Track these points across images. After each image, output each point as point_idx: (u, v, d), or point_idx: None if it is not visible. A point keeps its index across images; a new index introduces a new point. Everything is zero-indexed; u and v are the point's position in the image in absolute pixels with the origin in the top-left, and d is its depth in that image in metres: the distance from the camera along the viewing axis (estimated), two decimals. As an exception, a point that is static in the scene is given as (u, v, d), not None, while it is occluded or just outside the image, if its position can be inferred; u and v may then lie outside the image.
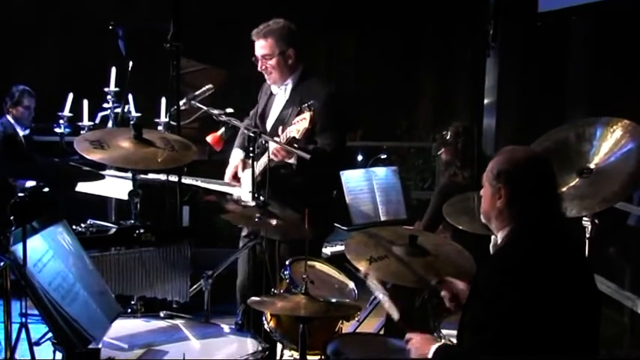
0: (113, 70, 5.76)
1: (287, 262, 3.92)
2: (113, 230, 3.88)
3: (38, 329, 4.18)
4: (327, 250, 5.11)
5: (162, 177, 4.70)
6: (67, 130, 5.84)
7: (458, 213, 4.11)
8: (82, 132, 5.38)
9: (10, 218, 3.00)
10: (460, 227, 4.06)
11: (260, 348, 3.33)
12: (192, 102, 4.29)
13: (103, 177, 3.87)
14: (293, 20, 4.52)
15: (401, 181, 5.70)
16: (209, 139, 4.55)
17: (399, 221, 5.36)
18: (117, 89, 5.79)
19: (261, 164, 4.23)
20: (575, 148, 3.84)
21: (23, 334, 3.92)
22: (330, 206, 4.84)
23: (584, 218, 3.76)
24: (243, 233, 4.55)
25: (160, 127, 5.43)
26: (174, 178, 4.37)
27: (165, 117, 5.44)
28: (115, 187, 4.76)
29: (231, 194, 4.74)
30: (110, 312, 3.26)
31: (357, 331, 4.89)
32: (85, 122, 5.67)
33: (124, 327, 3.46)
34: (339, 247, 5.04)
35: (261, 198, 3.98)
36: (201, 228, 6.28)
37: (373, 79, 9.99)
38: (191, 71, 6.95)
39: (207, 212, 6.40)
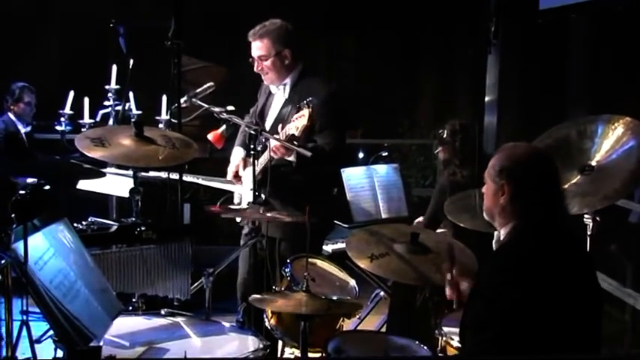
0: (114, 67, 5.76)
1: (288, 260, 3.92)
2: (114, 228, 3.89)
3: (39, 327, 4.19)
4: (329, 248, 5.11)
5: (164, 174, 4.70)
6: (68, 127, 5.84)
7: (459, 211, 4.11)
8: (82, 130, 5.38)
9: (12, 216, 3.00)
10: (461, 225, 4.06)
11: (261, 345, 3.33)
12: (193, 99, 4.29)
13: (104, 174, 3.87)
14: (294, 19, 4.52)
15: (402, 178, 5.71)
16: (210, 136, 4.55)
17: (400, 219, 5.36)
18: (118, 87, 5.79)
19: (261, 162, 4.23)
20: (576, 146, 3.84)
21: (24, 332, 3.93)
22: (331, 204, 4.84)
23: (586, 215, 3.76)
24: (245, 231, 4.56)
25: (160, 125, 5.43)
26: (175, 176, 4.37)
27: (166, 115, 5.43)
28: (116, 184, 4.77)
29: (231, 193, 4.74)
30: (111, 310, 3.27)
31: (358, 328, 4.90)
32: (86, 120, 5.67)
33: (125, 325, 3.47)
34: (340, 245, 5.05)
35: (263, 196, 3.98)
36: (202, 225, 6.27)
37: (374, 77, 9.98)
38: (192, 69, 6.95)
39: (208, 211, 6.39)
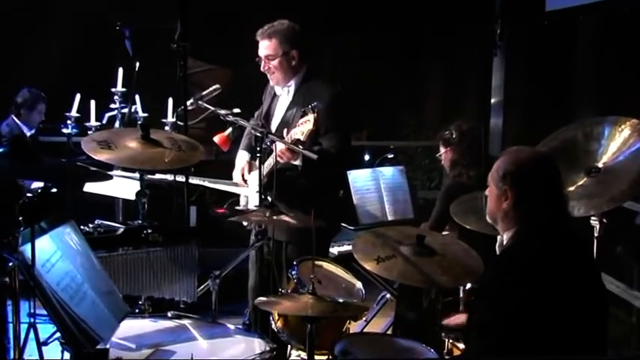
0: (120, 70, 5.76)
1: (294, 262, 3.92)
2: (121, 230, 3.89)
3: (46, 329, 4.19)
4: (335, 250, 5.11)
5: (170, 177, 4.71)
6: (75, 130, 5.85)
7: (465, 212, 4.10)
8: (89, 132, 5.39)
9: (19, 218, 3.01)
10: (467, 227, 4.05)
11: (267, 348, 3.33)
12: (200, 102, 4.30)
13: (110, 177, 3.88)
14: (298, 20, 4.52)
15: (408, 180, 5.70)
16: (216, 139, 4.56)
17: (406, 221, 5.35)
18: (124, 89, 5.80)
19: (267, 166, 4.23)
20: (582, 148, 3.83)
21: (32, 334, 3.93)
22: (337, 206, 4.84)
23: (592, 217, 3.75)
24: (253, 234, 4.56)
25: (166, 128, 5.44)
26: (181, 179, 4.37)
27: (173, 117, 5.44)
28: (123, 187, 4.77)
29: (237, 194, 4.74)
30: (118, 312, 3.27)
31: (365, 330, 4.90)
32: (92, 123, 5.67)
33: (131, 327, 3.47)
34: (347, 247, 5.04)
35: (269, 199, 3.98)
36: (208, 228, 6.28)
37: (379, 79, 9.97)
38: (198, 71, 6.96)
39: (214, 212, 6.41)
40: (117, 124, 5.84)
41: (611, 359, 3.15)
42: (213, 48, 7.86)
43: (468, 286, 3.59)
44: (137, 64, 5.75)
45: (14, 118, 7.07)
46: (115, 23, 6.65)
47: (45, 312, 2.89)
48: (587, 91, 7.32)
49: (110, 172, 4.28)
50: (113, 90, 5.78)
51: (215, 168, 5.33)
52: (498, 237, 3.03)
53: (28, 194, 3.10)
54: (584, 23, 7.10)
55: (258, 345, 3.39)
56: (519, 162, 2.86)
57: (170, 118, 5.51)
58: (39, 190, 3.24)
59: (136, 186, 4.14)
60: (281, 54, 4.42)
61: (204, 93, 4.35)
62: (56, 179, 3.77)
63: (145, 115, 5.91)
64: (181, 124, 4.36)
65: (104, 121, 5.93)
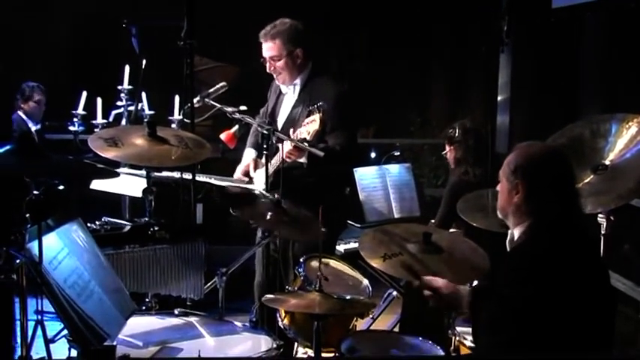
0: (127, 67, 5.77)
1: (301, 260, 3.92)
2: (127, 228, 3.90)
3: (53, 326, 4.19)
4: (341, 248, 5.11)
5: (176, 174, 4.71)
6: (81, 128, 5.85)
7: (472, 210, 4.10)
8: (95, 130, 5.40)
9: (26, 216, 3.01)
10: (474, 224, 4.04)
11: (274, 345, 3.34)
12: (206, 99, 4.30)
13: (117, 175, 3.88)
14: (303, 18, 4.52)
15: (414, 177, 5.69)
16: (223, 136, 4.56)
17: (412, 218, 5.35)
18: (130, 87, 5.80)
19: (274, 164, 4.23)
20: (589, 145, 3.82)
21: (39, 332, 3.94)
22: (343, 204, 4.84)
23: (600, 215, 3.74)
24: (260, 233, 4.56)
25: (173, 125, 5.44)
26: (188, 176, 4.37)
27: (179, 114, 5.44)
28: (129, 184, 4.77)
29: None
30: (125, 309, 3.28)
31: (372, 328, 4.90)
32: (99, 120, 5.68)
33: (138, 324, 3.48)
34: (353, 245, 5.05)
35: (276, 196, 3.98)
36: (215, 225, 6.28)
37: (385, 76, 9.96)
38: (205, 68, 6.96)
39: (221, 209, 6.40)
40: (123, 122, 5.84)
41: (618, 357, 3.14)
42: (219, 45, 7.87)
43: (475, 283, 3.57)
44: (144, 61, 5.75)
45: (20, 113, 7.11)
46: (122, 21, 6.64)
47: (52, 309, 2.90)
48: (594, 88, 7.29)
49: (117, 170, 4.28)
50: (120, 87, 5.79)
51: (222, 165, 5.34)
52: (509, 232, 3.02)
53: (35, 191, 3.09)
54: (590, 20, 7.08)
55: (264, 342, 3.39)
56: (530, 156, 2.86)
57: (177, 116, 5.51)
58: (45, 188, 3.23)
59: (142, 183, 4.15)
60: (285, 54, 4.41)
61: (210, 90, 4.35)
62: (63, 176, 3.78)
63: (152, 112, 5.92)
64: (188, 121, 4.36)
65: (111, 119, 5.94)
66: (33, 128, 7.14)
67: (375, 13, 9.62)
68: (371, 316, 4.63)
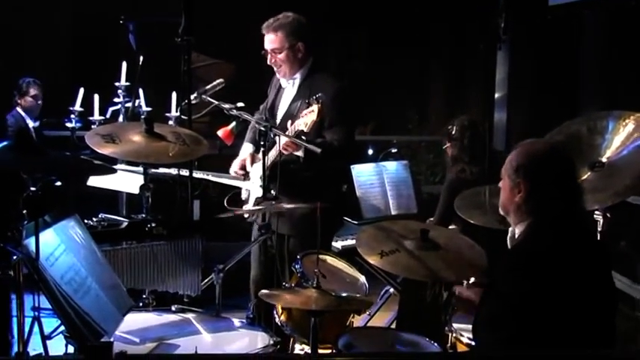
0: (124, 64, 5.76)
1: (298, 256, 3.92)
2: (125, 224, 3.90)
3: (50, 323, 4.19)
4: (338, 244, 5.12)
5: (174, 171, 4.71)
6: (78, 124, 5.85)
7: (469, 207, 4.10)
8: (92, 126, 5.39)
9: (23, 212, 3.01)
10: (472, 221, 4.04)
11: (271, 342, 3.34)
12: (203, 96, 4.29)
13: (114, 171, 3.88)
14: (303, 14, 4.52)
15: (412, 175, 5.70)
16: (220, 133, 4.55)
17: (409, 215, 5.36)
18: (128, 84, 5.80)
19: (270, 158, 4.23)
20: (587, 142, 3.82)
21: (36, 328, 3.93)
22: (340, 200, 4.84)
23: (596, 212, 3.74)
24: (255, 227, 4.56)
25: (170, 122, 5.44)
26: (185, 172, 4.37)
27: (176, 111, 5.44)
28: (127, 181, 4.77)
29: (240, 188, 4.74)
30: (122, 306, 3.28)
31: (368, 325, 4.90)
32: (96, 117, 5.68)
33: (135, 321, 3.48)
34: (350, 242, 5.05)
35: (272, 192, 3.99)
36: (212, 222, 6.29)
37: (383, 74, 9.96)
38: (202, 66, 6.95)
39: (218, 206, 6.41)
40: (120, 119, 5.84)
41: (618, 354, 3.14)
42: (216, 42, 7.86)
43: (472, 280, 3.58)
44: (141, 58, 5.75)
45: (18, 109, 7.11)
46: (119, 17, 6.64)
47: (49, 306, 2.90)
48: (592, 85, 7.30)
49: (114, 166, 4.28)
50: (117, 84, 5.78)
51: (219, 162, 5.33)
52: (510, 229, 3.02)
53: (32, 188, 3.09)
54: (589, 17, 7.09)
55: (261, 339, 3.40)
56: (533, 154, 2.86)
57: (174, 112, 5.52)
58: (42, 184, 3.23)
59: (139, 180, 4.15)
60: (287, 47, 4.42)
61: (208, 87, 4.35)
62: (60, 173, 3.78)
63: (149, 109, 5.92)
64: (185, 118, 4.36)
65: (108, 116, 5.93)
66: (31, 125, 7.13)
67: (373, 12, 9.62)
68: (368, 312, 4.64)
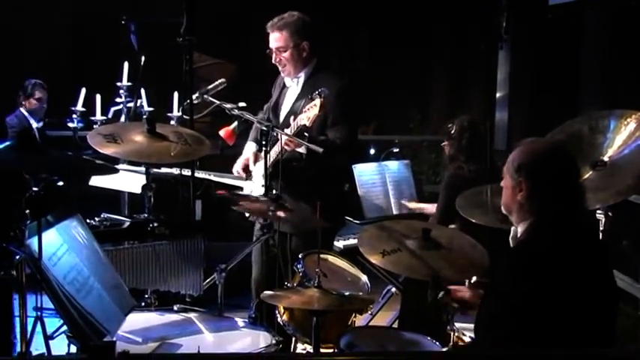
0: (126, 64, 5.77)
1: (300, 256, 3.92)
2: (127, 224, 3.91)
3: (53, 323, 4.19)
4: (340, 244, 5.12)
5: (176, 171, 4.71)
6: (80, 124, 5.86)
7: (471, 206, 4.10)
8: (94, 126, 5.40)
9: (26, 212, 3.01)
10: (473, 220, 4.04)
11: (273, 341, 3.34)
12: (205, 96, 4.30)
13: (116, 171, 3.88)
14: (306, 12, 4.52)
15: (413, 174, 5.71)
16: (222, 133, 4.56)
17: (411, 215, 5.36)
18: (129, 84, 5.80)
19: (272, 155, 4.23)
20: (588, 141, 3.82)
21: (38, 328, 3.94)
22: (342, 200, 4.84)
23: (598, 211, 3.74)
24: (257, 226, 4.56)
25: (172, 122, 5.44)
26: (187, 172, 4.37)
27: (178, 111, 5.44)
28: (129, 181, 4.78)
29: (242, 188, 4.74)
30: (124, 305, 3.28)
31: (370, 324, 4.90)
32: (98, 117, 5.69)
33: (138, 320, 3.48)
34: (352, 241, 5.05)
35: (274, 191, 3.99)
36: (214, 222, 6.29)
37: (386, 73, 9.97)
38: (204, 65, 6.96)
39: (220, 206, 6.41)
40: (122, 119, 5.85)
41: (617, 353, 3.14)
42: (218, 42, 7.87)
43: (474, 279, 3.58)
44: (142, 58, 5.75)
45: (22, 110, 7.13)
46: (121, 17, 6.64)
47: (52, 305, 2.90)
48: (592, 84, 7.31)
49: (116, 166, 4.28)
50: (119, 84, 5.79)
51: (220, 162, 5.34)
52: (512, 228, 3.02)
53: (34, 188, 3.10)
54: (590, 17, 7.09)
55: (264, 338, 3.40)
56: (534, 154, 2.85)
57: (176, 112, 5.52)
58: (45, 184, 3.24)
59: (141, 180, 4.15)
60: (292, 46, 4.42)
61: (209, 87, 4.35)
62: (62, 173, 3.78)
63: (151, 109, 5.92)
64: (187, 118, 4.36)
65: (110, 116, 5.94)
66: (34, 125, 7.14)
67: (375, 12, 9.62)
68: (370, 312, 4.64)
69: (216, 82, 4.38)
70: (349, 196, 5.24)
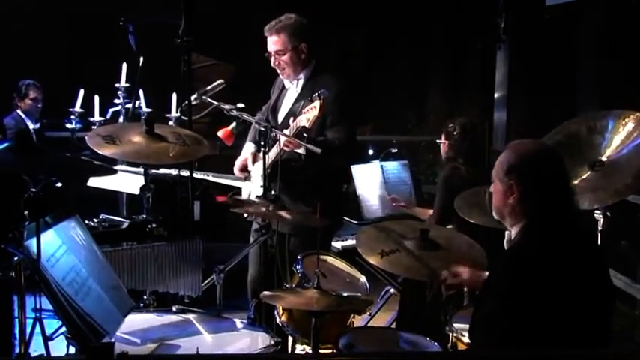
0: (124, 65, 5.77)
1: (299, 257, 3.92)
2: (125, 225, 3.91)
3: (52, 324, 4.20)
4: (338, 244, 5.12)
5: (174, 172, 4.71)
6: (79, 125, 5.86)
7: (469, 206, 4.10)
8: (93, 127, 5.40)
9: (24, 213, 3.02)
10: (471, 221, 4.05)
11: (272, 342, 3.34)
12: (204, 97, 4.30)
13: (114, 172, 3.89)
14: (303, 14, 4.52)
15: (411, 174, 5.71)
16: (220, 133, 4.56)
17: (410, 215, 5.36)
18: (128, 85, 5.81)
19: (271, 156, 4.23)
20: (586, 141, 3.82)
21: (37, 329, 3.95)
22: (340, 200, 4.84)
23: (596, 211, 3.74)
24: (254, 227, 4.56)
25: (170, 123, 5.45)
26: (185, 173, 4.38)
27: (177, 112, 5.45)
28: (127, 182, 4.78)
29: (240, 189, 4.75)
30: (123, 306, 3.28)
31: (369, 324, 4.91)
32: (96, 118, 5.69)
33: (136, 321, 3.48)
34: (350, 242, 5.05)
35: (272, 192, 3.99)
36: (212, 222, 6.30)
37: (383, 73, 9.98)
38: (201, 66, 6.96)
39: (218, 207, 6.42)
40: (121, 119, 5.85)
41: (612, 351, 3.14)
42: (216, 43, 7.87)
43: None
44: (141, 59, 5.75)
45: (18, 112, 7.13)
46: (119, 18, 6.64)
47: (50, 306, 2.91)
48: (590, 84, 7.31)
49: (114, 167, 4.28)
50: (117, 85, 5.79)
51: (219, 163, 5.35)
52: (506, 232, 3.02)
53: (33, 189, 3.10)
54: (587, 17, 7.10)
55: (262, 339, 3.40)
56: (523, 155, 2.83)
57: (174, 113, 5.53)
58: (43, 185, 3.24)
59: (140, 180, 4.16)
60: (290, 49, 4.41)
61: (208, 88, 4.35)
62: (61, 174, 3.78)
63: (149, 110, 5.93)
64: (185, 118, 4.36)
65: (108, 117, 5.94)
66: (31, 126, 7.14)
67: (373, 13, 9.63)
68: (368, 312, 4.64)
69: (215, 83, 4.38)
70: (348, 196, 5.24)
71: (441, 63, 10.43)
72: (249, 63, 4.91)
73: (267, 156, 4.09)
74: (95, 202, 4.96)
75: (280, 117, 4.54)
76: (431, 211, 5.13)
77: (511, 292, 2.69)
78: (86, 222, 3.64)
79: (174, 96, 5.52)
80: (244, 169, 4.64)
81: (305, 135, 4.07)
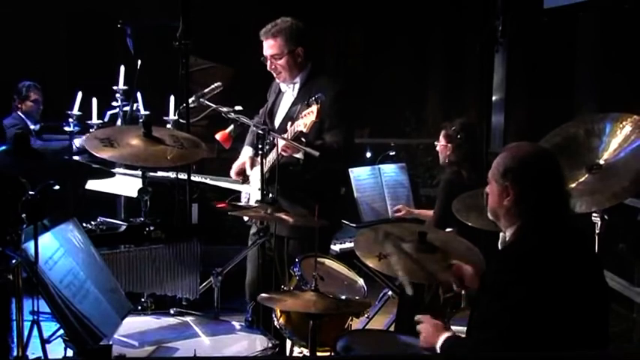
0: (122, 68, 5.77)
1: (297, 259, 3.93)
2: (123, 228, 3.90)
3: (49, 327, 4.20)
4: (337, 247, 5.12)
5: (172, 175, 4.71)
6: (77, 128, 5.86)
7: (467, 209, 4.10)
8: (91, 130, 5.40)
9: (22, 216, 3.01)
10: (469, 224, 4.05)
11: (270, 345, 3.34)
12: (201, 100, 4.30)
13: (112, 175, 3.89)
14: (300, 16, 4.52)
15: (409, 177, 5.71)
16: (218, 136, 4.56)
17: (408, 218, 5.37)
18: (125, 87, 5.81)
19: (269, 160, 4.23)
20: (584, 144, 3.83)
21: (35, 332, 3.94)
22: (338, 203, 4.84)
23: (594, 214, 3.75)
24: (252, 230, 4.56)
25: (168, 125, 5.45)
26: (183, 176, 4.37)
27: (174, 115, 5.45)
28: (125, 184, 4.79)
29: (239, 192, 4.75)
30: (121, 309, 3.28)
31: (367, 327, 4.90)
32: (94, 120, 5.69)
33: (134, 324, 3.48)
34: (348, 244, 5.06)
35: (270, 195, 3.99)
36: (210, 225, 6.30)
37: (381, 76, 9.98)
38: (199, 69, 6.97)
39: (216, 209, 6.42)
40: (119, 122, 5.85)
41: (610, 352, 3.15)
42: (213, 46, 7.87)
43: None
44: (139, 62, 5.76)
45: (19, 113, 7.12)
46: (117, 21, 6.65)
47: (48, 309, 2.90)
48: (588, 87, 7.33)
49: (112, 170, 4.28)
50: (115, 88, 5.79)
51: (217, 165, 5.35)
52: (501, 234, 3.03)
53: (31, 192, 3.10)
54: (584, 20, 7.11)
55: (260, 342, 3.40)
56: (520, 158, 2.85)
57: (172, 116, 5.52)
58: (41, 188, 3.24)
59: (138, 183, 4.15)
60: (286, 52, 4.40)
61: (205, 91, 4.35)
62: (58, 176, 3.78)
63: (147, 112, 5.92)
64: (183, 121, 4.36)
65: (106, 119, 5.94)
66: (32, 127, 7.14)
67: (370, 14, 9.63)
68: (366, 315, 4.63)
69: (213, 86, 4.38)
70: (345, 199, 5.24)
71: (439, 65, 10.43)
72: (247, 66, 4.90)
73: (265, 159, 4.09)
74: (93, 205, 4.97)
75: (277, 121, 4.54)
76: (431, 211, 5.13)
77: (505, 292, 2.70)
78: (84, 225, 3.64)
79: (171, 99, 5.52)
80: (241, 172, 4.63)
81: (303, 139, 4.07)
